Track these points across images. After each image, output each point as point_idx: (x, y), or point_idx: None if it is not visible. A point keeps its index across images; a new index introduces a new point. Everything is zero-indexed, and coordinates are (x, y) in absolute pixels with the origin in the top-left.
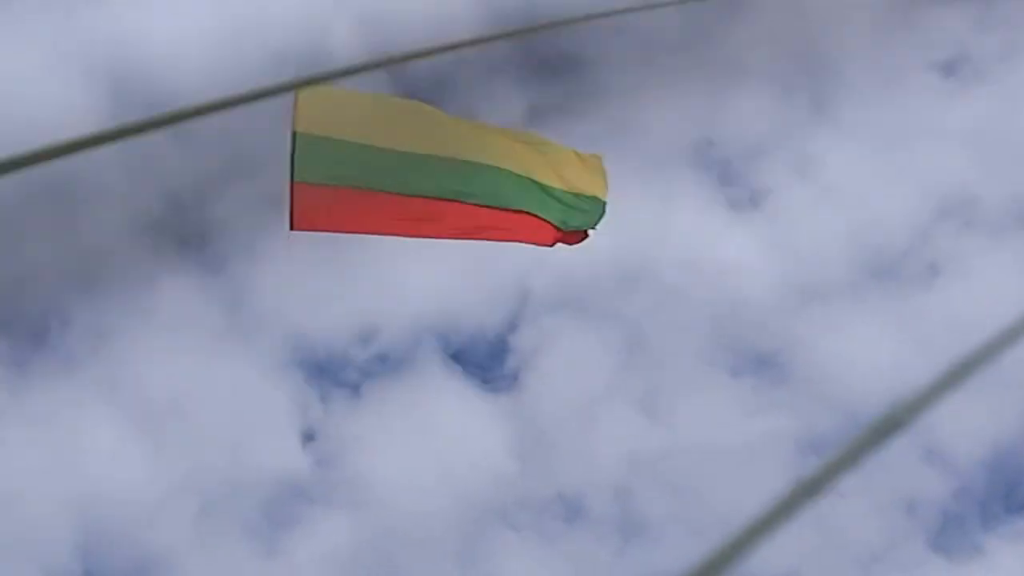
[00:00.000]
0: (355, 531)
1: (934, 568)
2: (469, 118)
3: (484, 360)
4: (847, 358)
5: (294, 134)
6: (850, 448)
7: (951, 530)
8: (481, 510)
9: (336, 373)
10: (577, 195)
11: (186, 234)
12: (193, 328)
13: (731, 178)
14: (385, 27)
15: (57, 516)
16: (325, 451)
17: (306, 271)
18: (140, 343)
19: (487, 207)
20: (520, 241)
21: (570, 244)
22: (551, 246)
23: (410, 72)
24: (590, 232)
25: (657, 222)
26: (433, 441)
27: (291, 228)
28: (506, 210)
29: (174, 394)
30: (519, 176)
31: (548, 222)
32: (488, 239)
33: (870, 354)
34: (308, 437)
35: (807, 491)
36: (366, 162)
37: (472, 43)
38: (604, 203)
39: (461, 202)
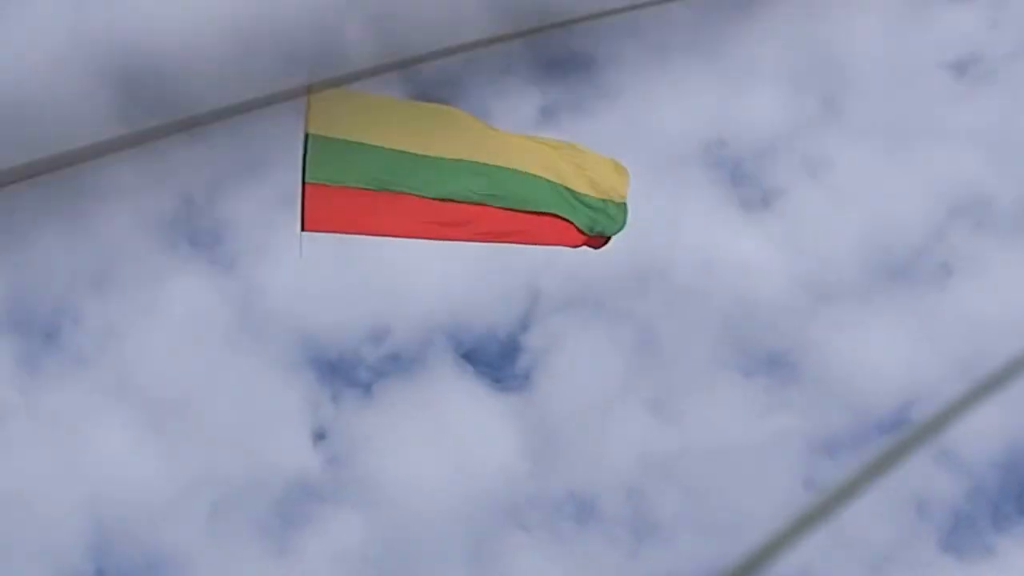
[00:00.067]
0: (366, 530)
1: (945, 568)
2: (482, 119)
3: (495, 360)
4: (859, 358)
5: (306, 136)
6: (877, 459)
7: (963, 531)
8: (492, 509)
9: (348, 372)
10: (606, 201)
11: (198, 233)
12: (205, 327)
13: (743, 178)
14: (398, 26)
15: (69, 515)
16: (336, 450)
17: (318, 270)
18: (152, 342)
19: (513, 210)
20: (547, 243)
21: (594, 247)
22: (576, 247)
23: (423, 72)
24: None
25: (669, 222)
26: (444, 440)
27: (303, 229)
28: (532, 213)
29: (186, 393)
30: (543, 179)
31: (574, 225)
32: (515, 242)
33: (882, 354)
34: (319, 436)
35: (833, 500)
36: (379, 164)
37: (482, 44)
38: (626, 209)
39: (487, 205)
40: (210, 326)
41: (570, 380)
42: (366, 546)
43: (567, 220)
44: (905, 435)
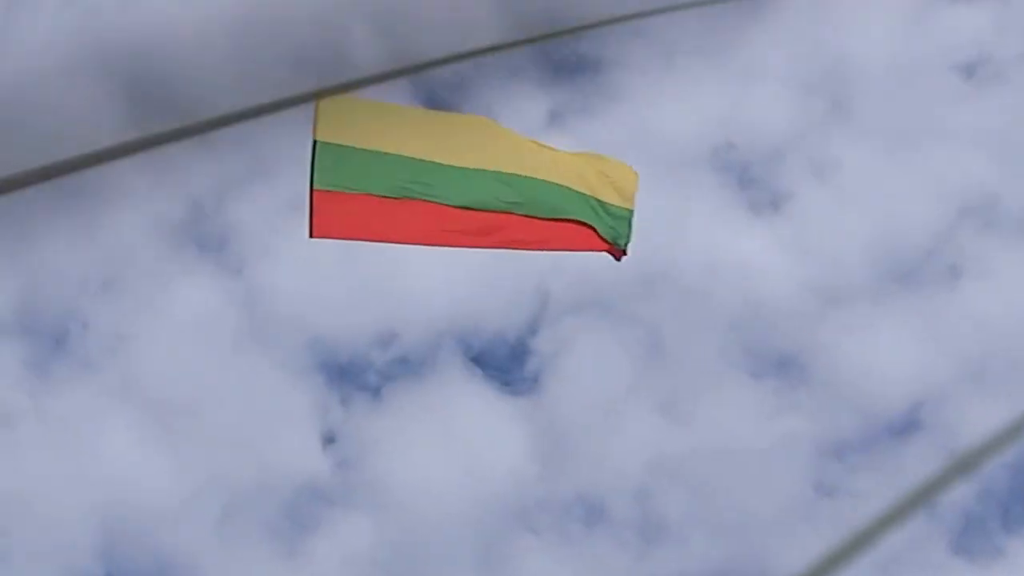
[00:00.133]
0: (376, 533)
1: (955, 570)
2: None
3: (504, 363)
4: (868, 360)
5: (315, 143)
6: (921, 489)
7: (973, 532)
8: (501, 513)
9: (357, 376)
10: (628, 209)
11: (206, 237)
12: (213, 331)
13: (751, 181)
14: (405, 30)
15: (78, 519)
16: (346, 454)
17: (326, 274)
18: (160, 346)
19: (541, 219)
20: (574, 250)
21: (615, 258)
22: (604, 252)
23: (430, 77)
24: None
25: (678, 225)
26: (453, 444)
27: (311, 235)
28: (559, 220)
29: (194, 397)
30: (570, 189)
31: (597, 232)
32: (544, 250)
33: (891, 356)
34: (329, 440)
35: (880, 525)
36: (394, 171)
37: (492, 49)
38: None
39: (513, 214)
40: (218, 330)
41: (579, 383)
42: (375, 549)
43: (592, 227)
44: (944, 467)
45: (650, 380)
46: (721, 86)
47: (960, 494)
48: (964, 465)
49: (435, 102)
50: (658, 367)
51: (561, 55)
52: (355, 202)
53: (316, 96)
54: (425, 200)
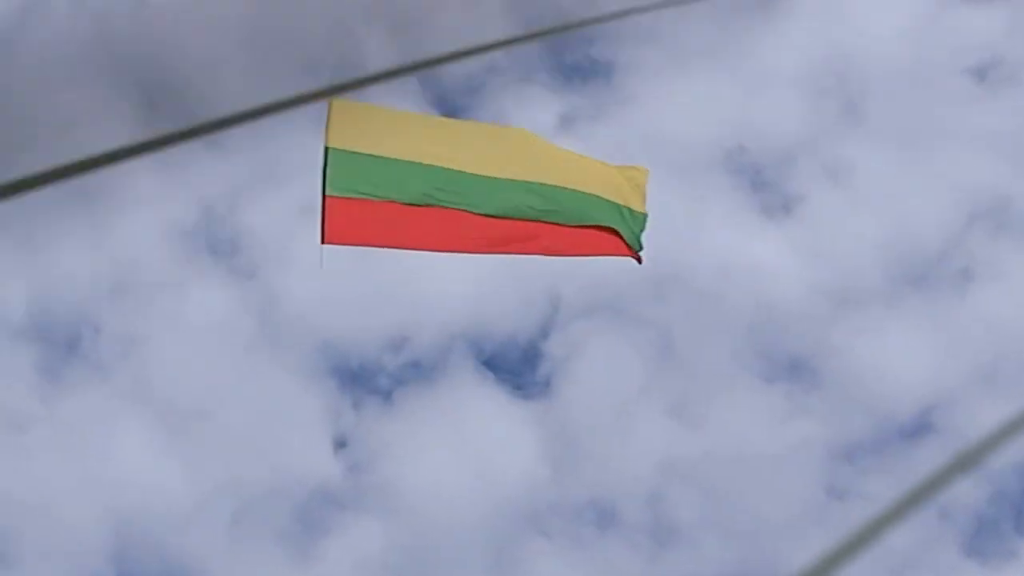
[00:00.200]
0: (387, 537)
1: (968, 573)
2: (502, 123)
3: (516, 366)
4: (880, 363)
5: (326, 149)
6: (922, 485)
7: (985, 535)
8: (513, 516)
9: (368, 380)
10: (645, 214)
11: (218, 242)
12: (226, 336)
13: (763, 184)
14: (417, 33)
15: (90, 523)
16: (357, 457)
17: (338, 279)
18: (173, 350)
19: (571, 226)
20: (602, 255)
21: (639, 261)
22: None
23: (442, 80)
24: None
25: (690, 228)
26: (465, 447)
27: (323, 242)
28: (588, 227)
29: (207, 401)
30: (599, 197)
31: (623, 238)
32: (572, 255)
33: (903, 359)
34: (340, 444)
35: (882, 521)
36: (409, 178)
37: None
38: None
39: (544, 222)
40: (231, 334)
41: (590, 386)
42: (387, 552)
43: (619, 233)
44: (946, 463)
45: (662, 383)
46: (733, 89)
47: (972, 496)
48: (966, 462)
49: (446, 105)
50: (670, 370)
51: (573, 59)
52: (369, 208)
53: (328, 103)
54: (455, 208)
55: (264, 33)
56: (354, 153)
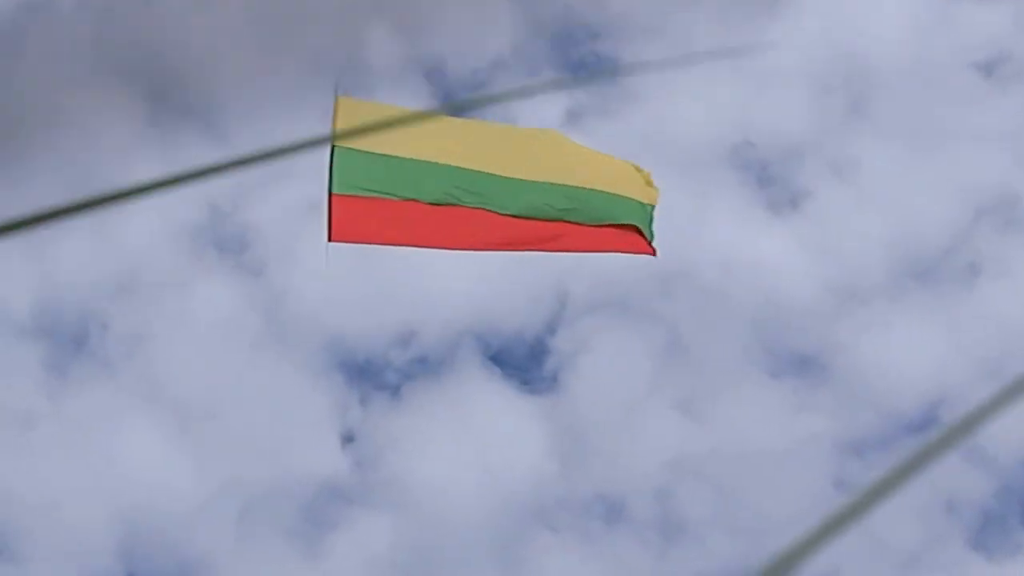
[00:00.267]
0: (395, 532)
1: (974, 567)
2: (508, 122)
3: (523, 362)
4: (887, 359)
5: (332, 147)
6: (907, 461)
7: (991, 529)
8: (521, 512)
9: (376, 375)
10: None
11: (225, 239)
12: (233, 332)
13: (770, 180)
14: (423, 30)
15: (98, 521)
16: (365, 453)
17: (345, 275)
18: (180, 347)
19: (593, 225)
20: (623, 251)
21: (654, 254)
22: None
23: (448, 76)
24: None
25: (696, 224)
26: (473, 443)
27: (329, 239)
28: (610, 226)
29: (214, 398)
30: (620, 196)
31: (643, 235)
32: (591, 251)
33: (910, 355)
34: (348, 439)
35: (864, 501)
36: (423, 178)
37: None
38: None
39: (567, 221)
40: (238, 331)
41: (598, 382)
42: (395, 548)
43: (640, 231)
44: (934, 438)
45: (669, 379)
46: (739, 85)
47: (978, 491)
48: (952, 435)
49: (454, 101)
50: (677, 366)
51: (579, 56)
52: (376, 206)
53: (335, 101)
54: (475, 208)
55: (268, 26)
56: (361, 151)
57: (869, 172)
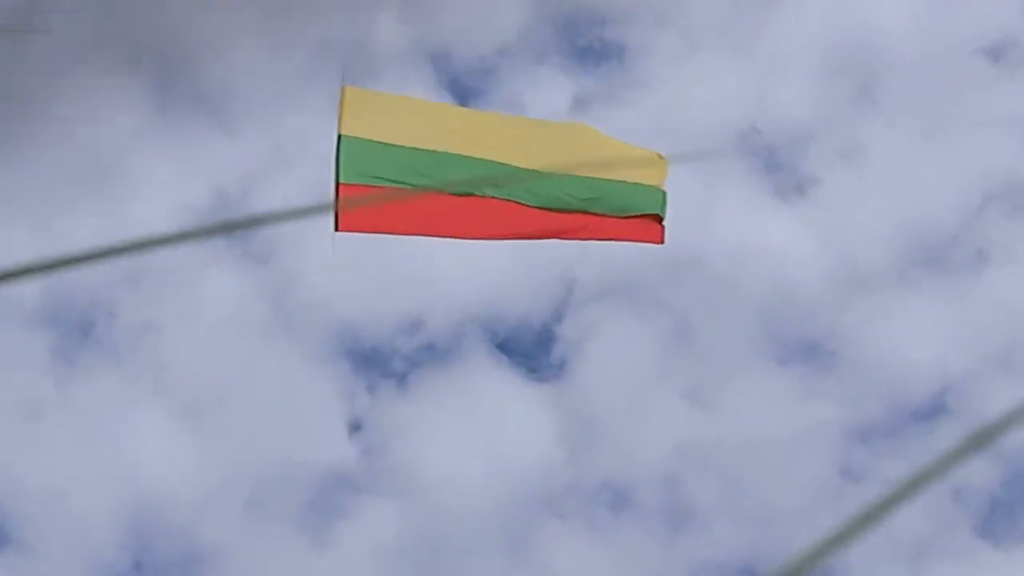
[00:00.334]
0: (402, 520)
1: (981, 555)
2: (515, 109)
3: (530, 349)
4: (895, 346)
5: (339, 137)
6: (938, 462)
7: (999, 518)
8: (528, 499)
9: (383, 363)
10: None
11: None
12: (240, 320)
13: (777, 166)
14: (430, 16)
15: (105, 509)
16: (372, 441)
17: (352, 262)
18: (187, 335)
19: (614, 216)
20: (639, 241)
21: (661, 243)
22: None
23: (454, 62)
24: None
25: (703, 210)
26: (480, 430)
27: (336, 229)
28: (633, 218)
29: (221, 385)
30: (642, 185)
31: (661, 222)
32: (610, 239)
33: (918, 342)
34: (355, 427)
35: (892, 499)
36: (415, 164)
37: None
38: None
39: (588, 213)
40: (245, 319)
41: (605, 370)
42: (402, 536)
43: (657, 218)
44: (959, 442)
45: (676, 366)
46: (747, 71)
47: (986, 479)
48: (979, 441)
49: (459, 89)
50: (684, 353)
51: (585, 41)
52: (383, 196)
53: (341, 90)
54: (498, 199)
55: (274, 11)
56: (367, 140)
57: (876, 158)
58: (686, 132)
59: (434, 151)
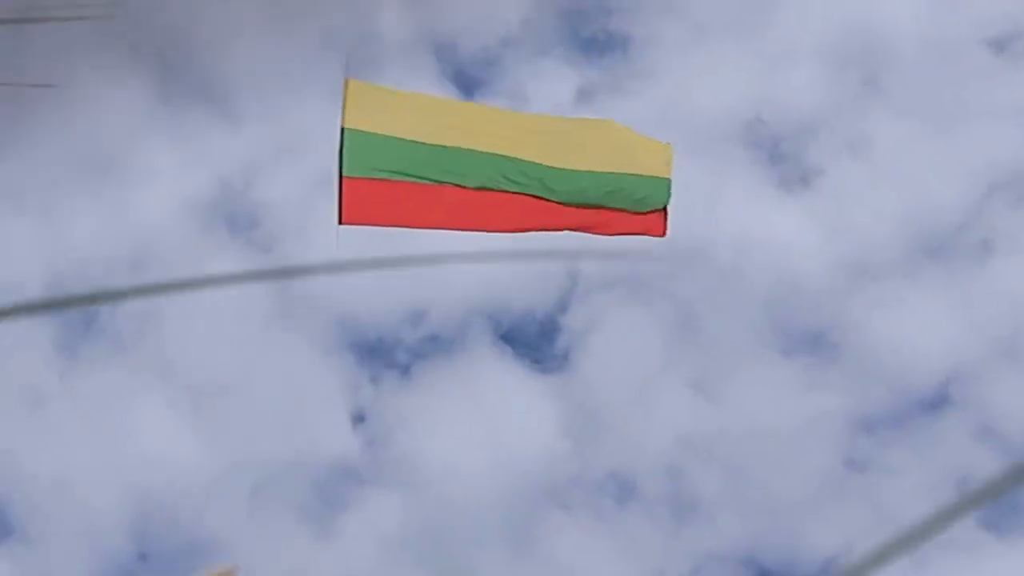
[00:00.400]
0: (406, 512)
1: (985, 546)
2: (519, 100)
3: (534, 340)
4: (900, 336)
5: (343, 130)
6: (986, 488)
7: (1003, 509)
8: (532, 490)
9: (386, 354)
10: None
11: (236, 216)
12: (243, 311)
13: (782, 157)
14: (433, 7)
15: (110, 500)
16: (375, 432)
17: (356, 253)
18: (190, 325)
19: (630, 212)
20: (649, 235)
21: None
22: (662, 235)
23: (458, 53)
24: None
25: (708, 201)
26: (484, 421)
27: (340, 222)
28: (647, 212)
29: (225, 377)
30: (655, 177)
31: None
32: (620, 234)
33: (923, 332)
34: (358, 418)
35: (934, 524)
36: (418, 157)
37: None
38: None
39: (602, 208)
40: (249, 309)
41: (609, 361)
42: (406, 527)
43: (663, 210)
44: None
45: (680, 357)
46: (752, 61)
47: (990, 470)
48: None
49: (464, 80)
50: (688, 344)
51: (590, 32)
52: (388, 189)
53: (345, 84)
54: (502, 192)
55: (279, 2)
56: (371, 134)
57: (882, 148)
58: (691, 123)
59: (437, 145)
